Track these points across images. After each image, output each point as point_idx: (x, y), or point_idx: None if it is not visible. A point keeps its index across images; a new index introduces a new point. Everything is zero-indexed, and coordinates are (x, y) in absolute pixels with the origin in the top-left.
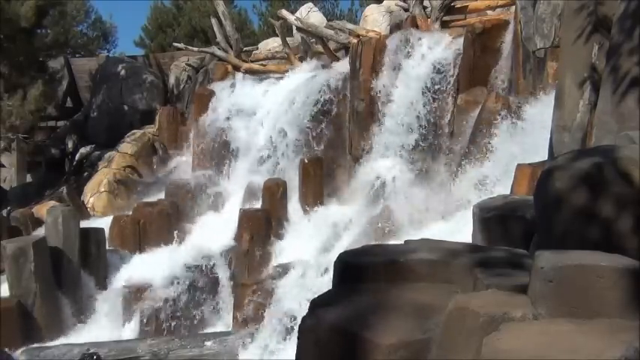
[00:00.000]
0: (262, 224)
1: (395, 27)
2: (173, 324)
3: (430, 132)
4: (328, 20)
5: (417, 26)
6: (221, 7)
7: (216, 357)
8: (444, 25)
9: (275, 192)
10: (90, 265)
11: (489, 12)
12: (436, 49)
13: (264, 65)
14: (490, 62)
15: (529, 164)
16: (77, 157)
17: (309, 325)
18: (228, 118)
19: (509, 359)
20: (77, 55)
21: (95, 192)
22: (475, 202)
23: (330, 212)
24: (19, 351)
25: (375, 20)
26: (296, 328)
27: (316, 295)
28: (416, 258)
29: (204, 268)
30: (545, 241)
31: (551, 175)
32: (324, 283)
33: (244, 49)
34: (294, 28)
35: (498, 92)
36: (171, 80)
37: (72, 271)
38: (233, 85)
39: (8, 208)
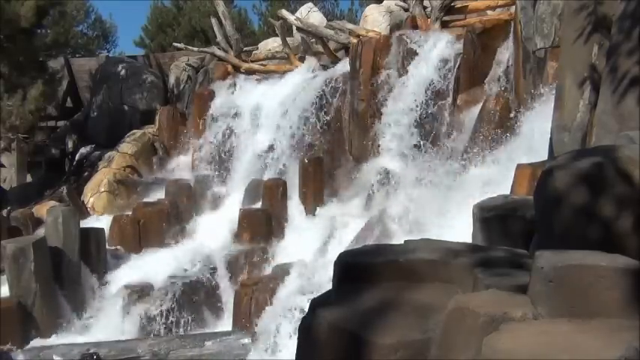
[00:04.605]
0: (262, 224)
1: (395, 27)
2: (173, 324)
3: (430, 132)
4: (328, 20)
5: (417, 26)
6: (221, 7)
7: (216, 357)
8: (444, 25)
9: (275, 192)
10: (90, 265)
11: (489, 12)
12: (436, 49)
13: (264, 65)
14: (490, 62)
15: (529, 164)
16: (77, 157)
17: (309, 325)
18: (228, 118)
19: (509, 359)
20: (77, 55)
21: (95, 192)
22: (475, 202)
23: (330, 212)
24: (19, 351)
25: (375, 20)
26: (296, 328)
27: (316, 295)
28: (416, 258)
29: (204, 268)
30: (545, 240)
31: (552, 175)
32: (324, 283)
33: (244, 49)
34: (294, 28)
35: (498, 92)
36: (171, 80)
37: (72, 271)
38: (233, 85)
39: (8, 208)
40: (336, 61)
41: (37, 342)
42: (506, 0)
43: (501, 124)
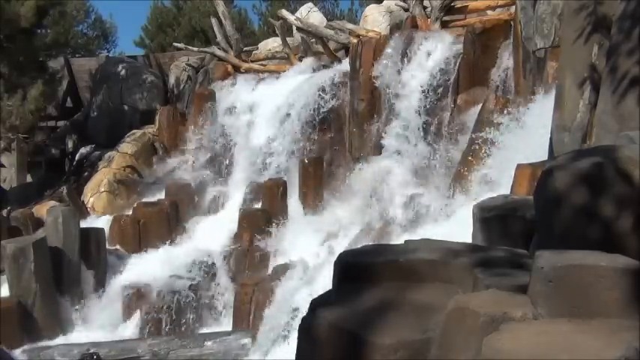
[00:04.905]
0: (262, 224)
1: (395, 27)
2: (173, 324)
3: (430, 132)
4: (328, 20)
5: (417, 26)
6: (221, 7)
7: (216, 357)
8: (444, 25)
9: (275, 192)
10: (90, 265)
11: (489, 12)
12: (436, 50)
13: (264, 65)
14: (490, 62)
15: (529, 164)
16: (77, 157)
17: (309, 325)
18: (228, 118)
19: (509, 359)
20: (77, 55)
21: (95, 192)
22: (475, 202)
23: (330, 212)
24: (19, 351)
25: (375, 20)
26: (296, 328)
27: (316, 295)
28: (416, 258)
29: (204, 268)
30: (545, 240)
31: (552, 175)
32: (324, 283)
33: (244, 49)
34: (294, 28)
35: (498, 92)
36: (171, 80)
37: (72, 271)
38: (233, 85)
39: (8, 208)
40: (336, 61)
41: (36, 342)
42: (506, 0)
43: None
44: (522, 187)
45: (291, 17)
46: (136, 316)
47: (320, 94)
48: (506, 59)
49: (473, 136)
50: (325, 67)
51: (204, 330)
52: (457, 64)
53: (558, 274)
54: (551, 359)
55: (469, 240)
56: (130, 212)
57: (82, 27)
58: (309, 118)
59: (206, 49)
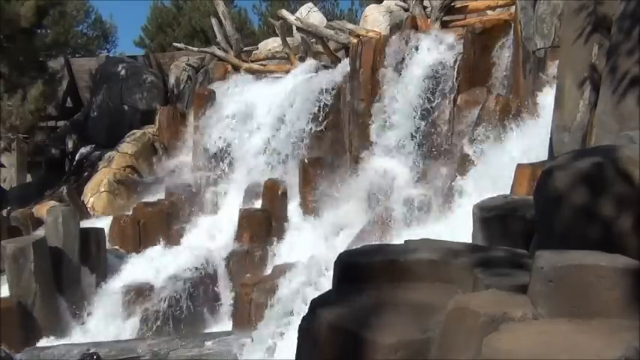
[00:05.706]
0: (262, 224)
1: (395, 27)
2: (173, 324)
3: (430, 132)
4: (328, 20)
5: (416, 26)
6: (221, 7)
7: (216, 357)
8: (444, 25)
9: (275, 192)
10: (90, 265)
11: (489, 12)
12: (436, 50)
13: (264, 65)
14: (490, 62)
15: (529, 164)
16: (77, 157)
17: (309, 325)
18: (228, 118)
19: (509, 359)
20: (77, 55)
21: (95, 192)
22: (475, 202)
23: (329, 212)
24: (19, 351)
25: (375, 20)
26: (296, 328)
27: (316, 295)
28: (416, 258)
29: (204, 268)
30: (545, 240)
31: (552, 175)
32: (324, 283)
33: (244, 49)
34: (294, 28)
35: (498, 92)
36: (171, 80)
37: (72, 271)
38: (233, 85)
39: (8, 208)
40: (336, 61)
41: (36, 342)
42: (506, 0)
43: (501, 124)
44: (522, 187)
45: (291, 17)
46: (136, 316)
47: (320, 94)
48: (506, 59)
49: (473, 135)
50: (325, 67)
51: (204, 330)
52: (457, 64)
53: (558, 274)
54: (551, 359)
55: (469, 240)
56: (130, 212)
57: (82, 27)
58: (309, 118)
59: (206, 49)
